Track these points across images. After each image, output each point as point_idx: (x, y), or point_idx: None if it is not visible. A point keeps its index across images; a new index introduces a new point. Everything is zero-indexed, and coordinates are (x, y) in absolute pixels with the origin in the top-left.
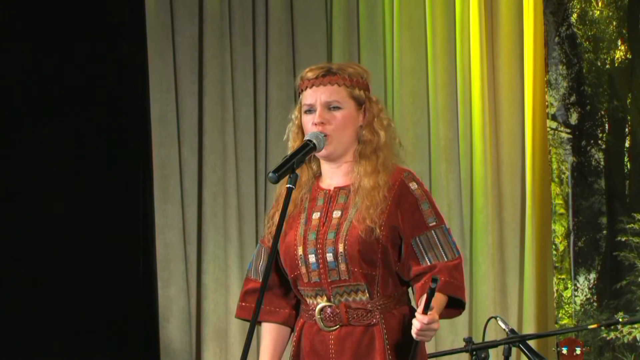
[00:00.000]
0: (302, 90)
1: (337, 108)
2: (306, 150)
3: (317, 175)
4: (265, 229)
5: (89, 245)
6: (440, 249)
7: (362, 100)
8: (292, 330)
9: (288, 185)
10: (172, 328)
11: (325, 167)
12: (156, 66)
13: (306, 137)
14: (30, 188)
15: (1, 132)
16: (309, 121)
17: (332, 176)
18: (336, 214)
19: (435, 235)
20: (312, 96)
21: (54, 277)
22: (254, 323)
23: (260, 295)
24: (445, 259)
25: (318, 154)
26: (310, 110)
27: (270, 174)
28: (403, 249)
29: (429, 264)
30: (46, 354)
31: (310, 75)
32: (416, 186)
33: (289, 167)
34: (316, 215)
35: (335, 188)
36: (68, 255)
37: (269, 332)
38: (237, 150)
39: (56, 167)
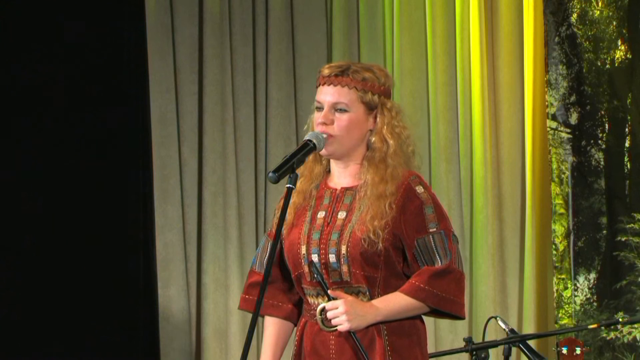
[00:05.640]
0: (317, 85)
1: (344, 110)
2: (306, 150)
3: (327, 171)
4: (273, 221)
5: (89, 245)
6: (435, 254)
7: (373, 106)
8: (295, 326)
9: (288, 185)
10: (172, 328)
11: (333, 165)
12: (156, 66)
13: (306, 137)
14: (30, 188)
15: (1, 131)
16: (316, 118)
17: (340, 176)
18: (341, 214)
19: (432, 240)
20: (322, 94)
21: (54, 277)
22: (254, 322)
23: (260, 295)
24: (435, 264)
25: (320, 154)
26: (319, 107)
27: (270, 174)
28: (407, 252)
29: (420, 268)
30: (46, 354)
31: (326, 72)
32: (422, 190)
33: (289, 167)
34: (321, 215)
35: (342, 188)
36: (68, 256)
37: (271, 326)
38: (237, 150)
39: (56, 167)
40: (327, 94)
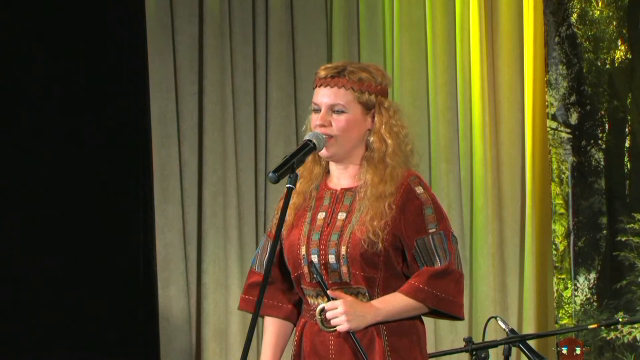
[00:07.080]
0: (314, 87)
1: (341, 112)
2: (306, 150)
3: (326, 172)
4: (272, 222)
5: (89, 245)
6: (435, 254)
7: (370, 105)
8: (295, 326)
9: (288, 185)
10: (172, 328)
11: (332, 166)
12: (156, 66)
13: (306, 137)
14: (30, 188)
15: (1, 131)
16: (314, 120)
17: (339, 177)
18: (341, 215)
19: (432, 241)
20: (319, 96)
21: (54, 277)
22: (254, 322)
23: (260, 295)
24: (435, 265)
25: (320, 154)
26: (316, 109)
27: (270, 174)
28: (406, 253)
29: (419, 268)
30: (46, 354)
31: (322, 73)
32: (422, 190)
33: (289, 167)
34: (321, 215)
35: (341, 189)
36: (68, 255)
37: (271, 326)
38: (237, 150)
39: (56, 167)
40: (323, 96)
